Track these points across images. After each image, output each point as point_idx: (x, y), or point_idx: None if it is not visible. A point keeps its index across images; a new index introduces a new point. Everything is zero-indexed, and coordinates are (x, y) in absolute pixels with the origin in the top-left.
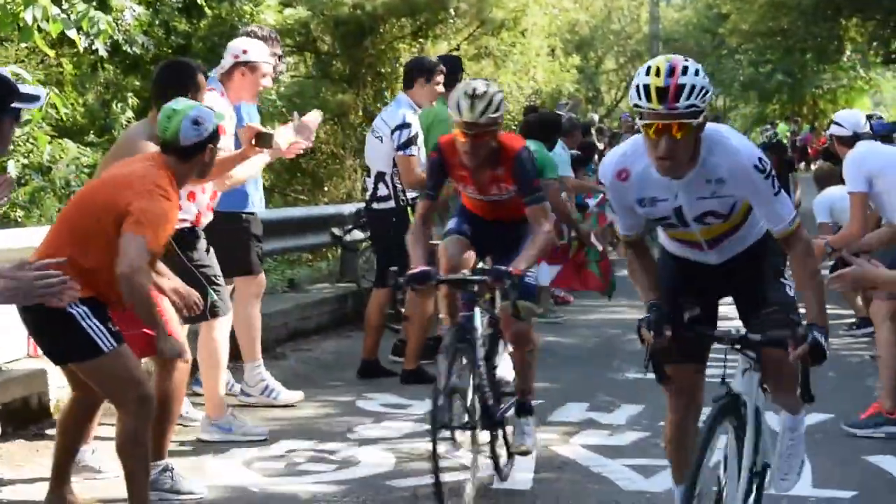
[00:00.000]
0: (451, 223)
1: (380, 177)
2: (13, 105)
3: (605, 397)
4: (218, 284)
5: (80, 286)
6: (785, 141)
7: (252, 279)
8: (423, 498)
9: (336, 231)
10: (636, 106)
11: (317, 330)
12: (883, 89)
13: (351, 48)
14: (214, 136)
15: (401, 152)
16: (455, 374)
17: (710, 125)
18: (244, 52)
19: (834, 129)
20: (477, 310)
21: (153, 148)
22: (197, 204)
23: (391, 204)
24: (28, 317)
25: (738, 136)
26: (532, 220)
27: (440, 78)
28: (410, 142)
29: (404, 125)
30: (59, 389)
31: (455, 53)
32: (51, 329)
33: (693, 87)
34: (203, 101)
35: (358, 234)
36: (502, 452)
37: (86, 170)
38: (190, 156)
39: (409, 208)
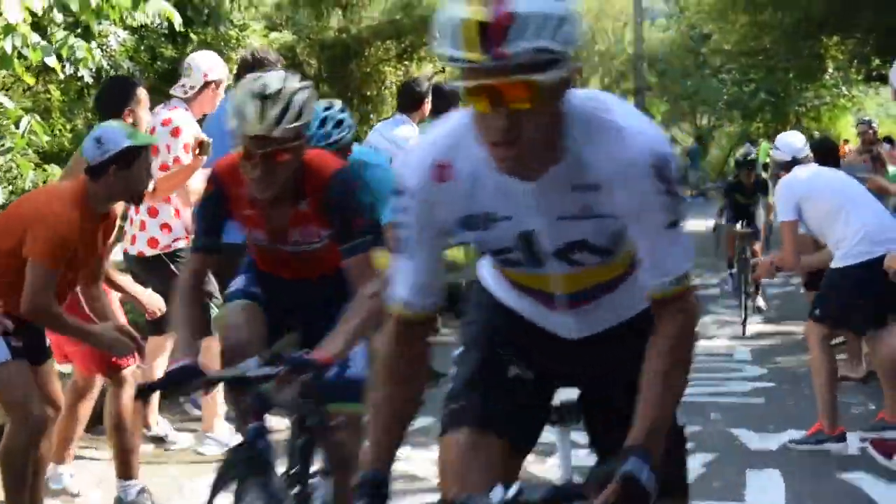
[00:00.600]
0: (235, 282)
1: None
2: None
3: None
4: (217, 299)
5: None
6: (767, 160)
7: None
8: None
9: None
10: (451, 59)
11: None
12: (866, 106)
13: (337, 71)
14: (119, 156)
15: None
16: None
17: (585, 94)
18: (210, 69)
19: (773, 153)
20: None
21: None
22: (183, 221)
23: None
24: None
25: (637, 116)
26: (352, 278)
27: (427, 106)
28: None
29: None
30: None
31: (440, 76)
32: None
33: (540, 17)
34: (142, 116)
35: None
36: None
37: None
38: (97, 175)
39: None
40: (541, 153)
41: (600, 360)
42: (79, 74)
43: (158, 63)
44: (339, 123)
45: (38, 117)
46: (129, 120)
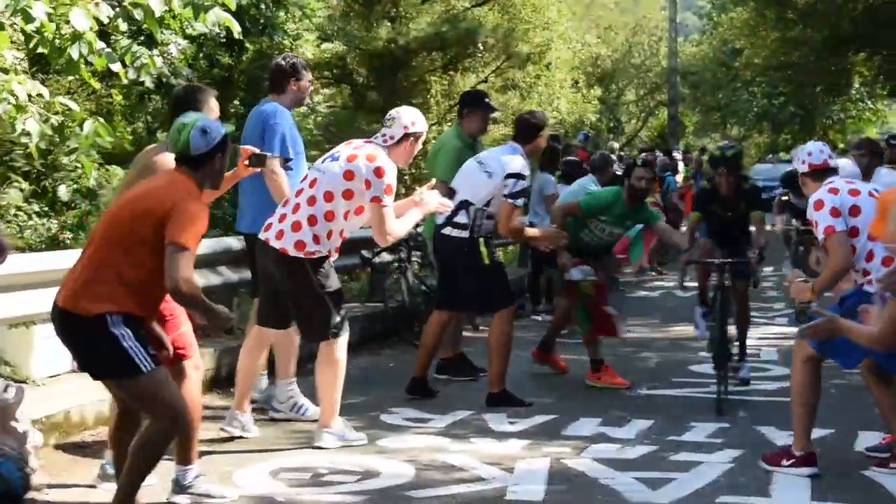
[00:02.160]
0: None
1: (464, 204)
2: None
3: (617, 412)
4: (341, 308)
5: (113, 302)
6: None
7: None
8: None
9: (365, 253)
10: None
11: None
12: (889, 120)
13: (385, 80)
14: (222, 145)
15: (511, 201)
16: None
17: None
18: (413, 123)
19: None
20: None
21: (168, 157)
22: (332, 243)
23: (465, 234)
24: (68, 336)
25: None
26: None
27: (542, 140)
28: (521, 194)
29: (521, 175)
30: (99, 403)
31: (483, 86)
32: (90, 344)
33: None
34: None
35: (386, 256)
36: None
37: None
38: (201, 165)
39: (480, 241)
40: None
41: None
42: (140, 80)
43: (216, 70)
44: None
45: (101, 119)
46: None
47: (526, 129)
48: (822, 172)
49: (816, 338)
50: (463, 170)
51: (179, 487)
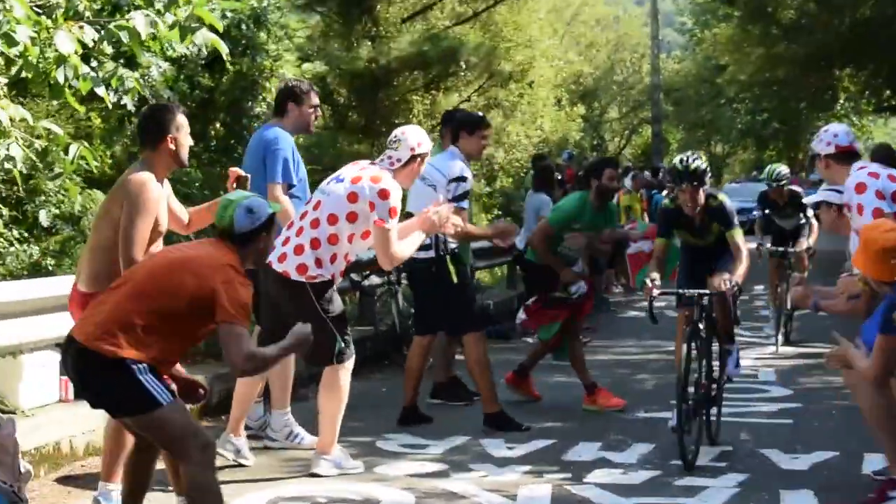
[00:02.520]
0: None
1: None
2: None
3: (617, 436)
4: (346, 333)
5: (137, 350)
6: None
7: None
8: None
9: (354, 276)
10: None
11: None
12: (875, 136)
13: (366, 100)
14: (268, 224)
15: (455, 205)
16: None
17: None
18: (419, 144)
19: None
20: None
21: (143, 176)
22: (336, 267)
23: (431, 253)
24: (80, 370)
25: None
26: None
27: (486, 132)
28: (465, 195)
29: (461, 178)
30: (90, 433)
31: (465, 105)
32: (107, 382)
33: None
34: (184, 142)
35: (375, 280)
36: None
37: None
38: (245, 243)
39: (448, 258)
40: None
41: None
42: (122, 103)
43: (197, 92)
44: None
45: (86, 144)
46: (172, 146)
47: (455, 128)
48: (849, 156)
49: (835, 367)
50: (413, 190)
51: None
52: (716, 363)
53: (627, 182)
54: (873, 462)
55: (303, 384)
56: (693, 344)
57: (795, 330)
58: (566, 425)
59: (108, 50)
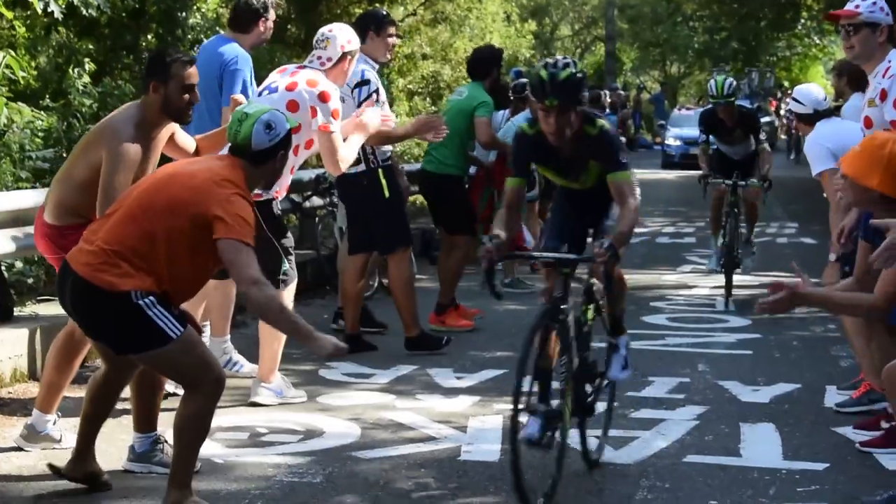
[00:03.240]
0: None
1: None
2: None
3: None
4: (290, 255)
5: (141, 278)
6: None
7: None
8: (392, 469)
9: (294, 197)
10: None
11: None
12: (837, 57)
13: (305, 13)
14: (286, 141)
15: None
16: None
17: None
18: (349, 41)
19: (793, 106)
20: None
21: (139, 134)
22: (279, 183)
23: (362, 167)
24: (85, 304)
25: None
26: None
27: (392, 30)
28: (370, 97)
29: (363, 81)
30: (17, 357)
31: (411, 19)
32: (114, 319)
33: None
34: (180, 97)
35: (317, 201)
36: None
37: (40, 133)
38: (261, 161)
39: (380, 171)
40: None
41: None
42: (49, 10)
43: (128, 1)
44: None
45: (12, 52)
46: (157, 93)
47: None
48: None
49: (774, 313)
50: None
51: (136, 455)
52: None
53: None
54: (835, 395)
55: (241, 311)
56: (551, 330)
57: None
58: (517, 354)
59: None
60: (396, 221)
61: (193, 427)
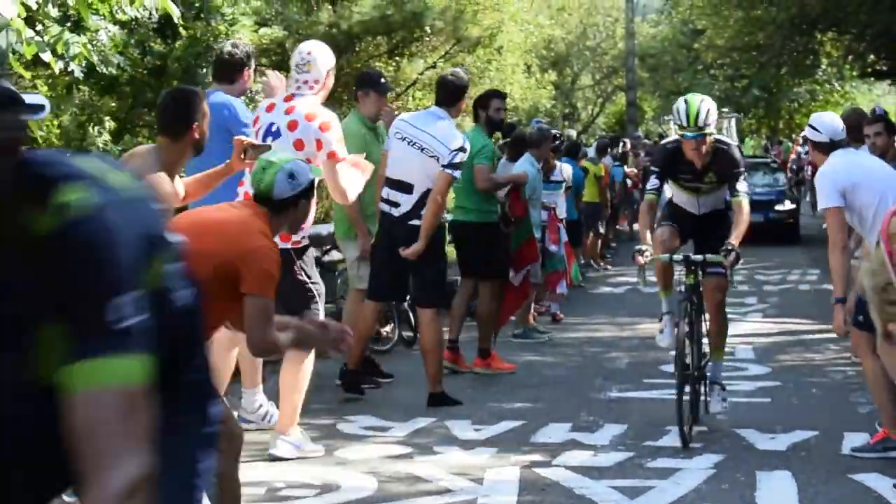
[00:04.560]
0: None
1: (427, 194)
2: None
3: (588, 417)
4: (317, 301)
5: None
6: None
7: None
8: None
9: (315, 252)
10: None
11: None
12: (858, 102)
13: None
14: (308, 190)
15: (449, 171)
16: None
17: None
18: (329, 58)
19: (808, 133)
20: None
21: (165, 180)
22: (308, 226)
23: (418, 221)
24: None
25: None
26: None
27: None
28: (461, 165)
29: (463, 149)
30: None
31: (431, 71)
32: None
33: None
34: (206, 131)
35: (336, 255)
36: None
37: None
38: (283, 209)
39: (445, 226)
40: None
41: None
42: (69, 69)
43: (148, 58)
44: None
45: None
46: (197, 135)
47: (454, 92)
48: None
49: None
50: (400, 154)
51: None
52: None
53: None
54: (853, 440)
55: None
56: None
57: (774, 305)
58: (536, 406)
59: (54, 13)
60: (440, 277)
61: (219, 490)
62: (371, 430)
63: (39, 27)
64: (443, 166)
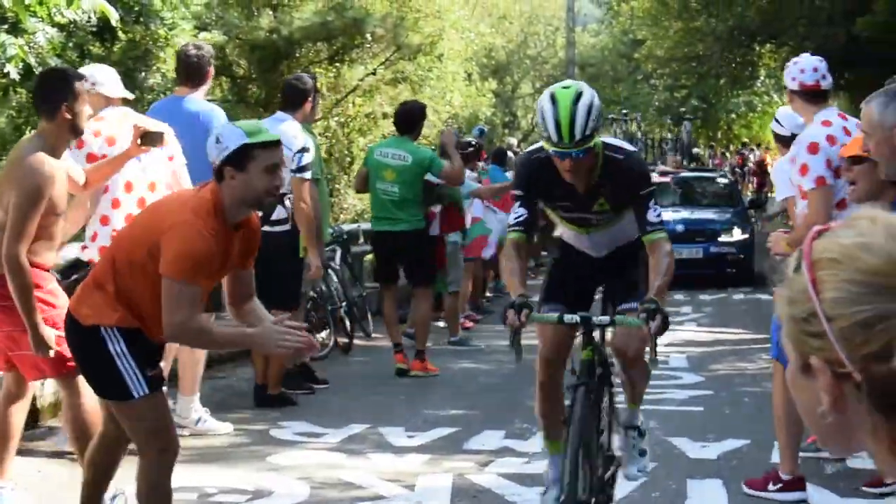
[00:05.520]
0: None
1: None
2: None
3: (522, 424)
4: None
5: (113, 309)
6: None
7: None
8: None
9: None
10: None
11: (231, 357)
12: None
13: (267, 72)
14: (234, 157)
15: (299, 175)
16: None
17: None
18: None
19: (773, 126)
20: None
21: (48, 160)
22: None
23: (287, 227)
24: (76, 347)
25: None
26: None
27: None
28: (309, 167)
29: (306, 149)
30: None
31: (371, 78)
32: (91, 362)
33: None
34: (81, 108)
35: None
36: None
37: None
38: (220, 177)
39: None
40: None
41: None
42: (6, 71)
43: (87, 61)
44: None
45: None
46: (68, 116)
47: (298, 95)
48: (814, 95)
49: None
50: None
51: None
52: None
53: None
54: None
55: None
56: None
57: (708, 315)
58: (471, 413)
59: None
60: (296, 279)
61: (149, 496)
62: (304, 436)
63: None
64: (292, 171)
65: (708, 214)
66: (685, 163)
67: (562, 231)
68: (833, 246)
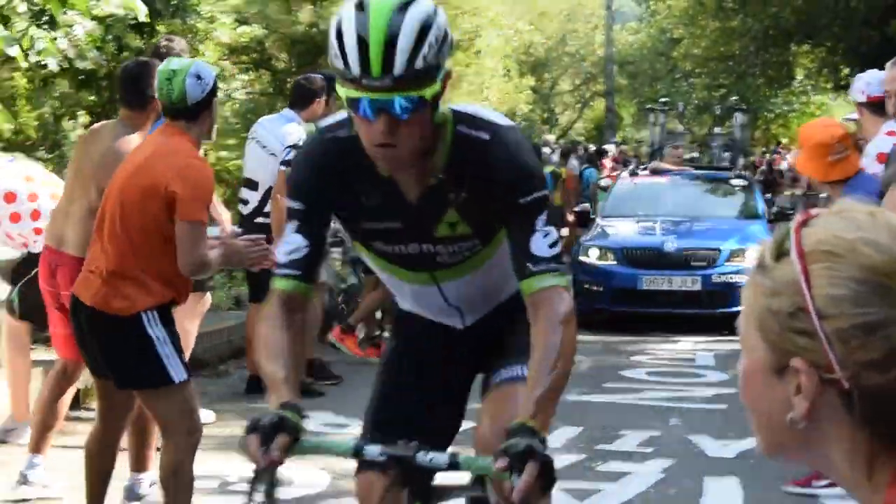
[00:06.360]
0: None
1: (270, 192)
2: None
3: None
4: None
5: (148, 293)
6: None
7: (199, 296)
8: None
9: None
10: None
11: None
12: (833, 115)
13: (306, 66)
14: (215, 89)
15: (285, 168)
16: None
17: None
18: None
19: (855, 93)
20: None
21: (133, 140)
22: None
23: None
24: (97, 338)
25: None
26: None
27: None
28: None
29: (297, 146)
30: None
31: None
32: (131, 354)
33: None
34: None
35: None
36: None
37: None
38: (200, 111)
39: None
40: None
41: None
42: (43, 63)
43: (125, 53)
44: None
45: (0, 105)
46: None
47: (305, 95)
48: (882, 107)
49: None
50: (251, 154)
51: (133, 496)
52: None
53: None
54: None
55: (222, 359)
56: None
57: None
58: None
59: (20, 8)
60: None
61: (174, 480)
62: (329, 427)
63: (9, 22)
64: (281, 164)
65: (713, 229)
66: (741, 162)
67: (387, 283)
68: (830, 238)
